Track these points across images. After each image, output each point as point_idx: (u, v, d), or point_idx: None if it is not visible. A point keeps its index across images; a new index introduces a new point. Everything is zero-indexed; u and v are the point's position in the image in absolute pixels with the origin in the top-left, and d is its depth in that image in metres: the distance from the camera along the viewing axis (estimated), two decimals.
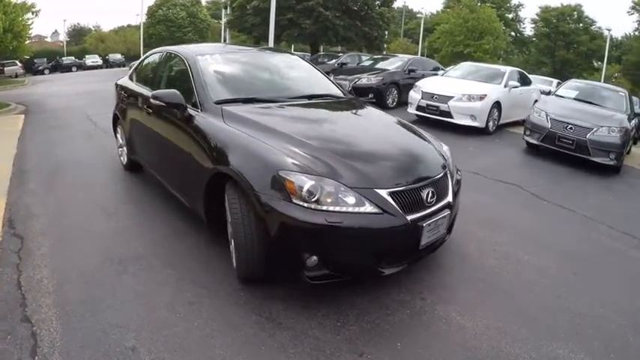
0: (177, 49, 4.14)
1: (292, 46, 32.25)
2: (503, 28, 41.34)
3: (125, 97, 4.69)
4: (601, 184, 7.03)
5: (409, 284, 2.93)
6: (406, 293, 2.84)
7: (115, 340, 2.24)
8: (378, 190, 2.42)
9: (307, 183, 2.29)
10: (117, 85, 5.17)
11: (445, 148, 3.35)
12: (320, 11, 17.46)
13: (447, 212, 2.79)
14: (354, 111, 3.72)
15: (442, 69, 16.84)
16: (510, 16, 49.17)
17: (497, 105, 9.71)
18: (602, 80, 33.86)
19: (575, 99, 8.74)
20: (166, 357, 2.16)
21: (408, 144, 3.10)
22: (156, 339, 2.28)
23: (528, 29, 51.57)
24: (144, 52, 41.13)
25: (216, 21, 50.77)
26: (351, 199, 2.32)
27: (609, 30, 35.33)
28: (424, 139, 3.27)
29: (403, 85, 12.37)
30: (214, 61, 3.75)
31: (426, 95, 9.69)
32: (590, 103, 8.42)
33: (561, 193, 6.08)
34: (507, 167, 7.24)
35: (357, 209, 2.31)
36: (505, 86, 10.16)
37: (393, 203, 2.42)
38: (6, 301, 2.56)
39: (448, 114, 9.37)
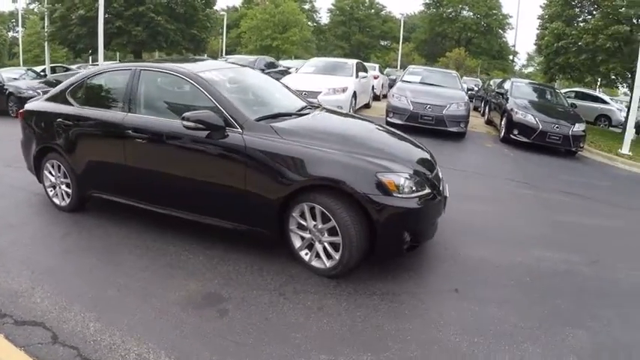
0: (158, 65, 4.11)
1: (117, 54, 30.08)
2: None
3: (69, 125, 4.19)
4: (459, 146, 9.46)
5: (440, 243, 4.04)
6: (447, 249, 4.00)
7: None
8: (429, 176, 3.48)
9: (401, 179, 3.13)
10: (36, 113, 4.54)
11: None
12: (151, 16, 17.32)
13: (446, 185, 4.02)
14: (345, 117, 4.59)
15: (276, 64, 18.43)
16: (307, 7, 54.30)
17: (354, 94, 11.49)
18: (400, 58, 40.77)
19: (420, 83, 11.09)
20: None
21: (409, 140, 4.17)
22: (357, 347, 2.63)
23: (324, 18, 57.91)
24: None
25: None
26: (419, 186, 3.25)
27: (403, 14, 42.99)
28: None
29: None
30: (218, 78, 3.85)
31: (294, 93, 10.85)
32: (434, 85, 10.88)
33: (442, 159, 8.00)
34: None
35: (424, 192, 3.27)
36: (357, 77, 12.06)
37: (436, 184, 3.52)
38: None
39: None
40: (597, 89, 21.89)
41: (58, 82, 13.20)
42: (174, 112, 3.86)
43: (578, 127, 9.41)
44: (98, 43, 13.96)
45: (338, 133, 3.72)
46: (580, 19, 13.48)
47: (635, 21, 11.41)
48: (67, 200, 4.48)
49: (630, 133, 10.27)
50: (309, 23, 51.43)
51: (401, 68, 35.07)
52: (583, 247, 4.48)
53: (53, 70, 18.04)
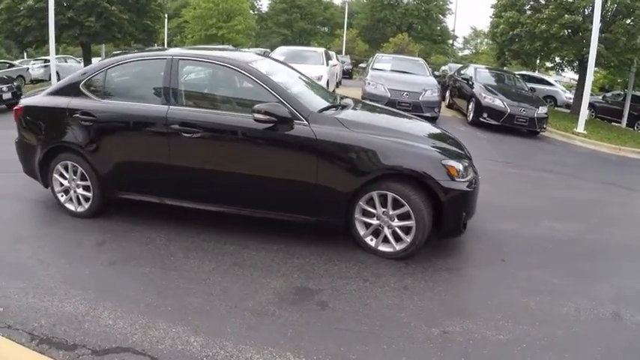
0: (198, 54, 4.13)
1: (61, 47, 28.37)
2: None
3: (91, 120, 3.88)
4: None
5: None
6: (480, 225, 4.47)
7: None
8: (471, 161, 4.01)
9: (460, 165, 3.61)
10: (39, 109, 4.18)
11: None
12: (105, 6, 16.69)
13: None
14: (375, 108, 4.94)
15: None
16: None
17: (327, 82, 11.91)
18: (344, 44, 41.37)
19: (392, 70, 11.64)
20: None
21: (443, 129, 4.70)
22: (454, 317, 2.97)
23: (265, 6, 57.41)
24: None
25: None
26: (466, 171, 3.73)
27: (346, 1, 43.64)
28: None
29: None
30: (265, 69, 3.90)
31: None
32: (406, 72, 11.45)
33: None
34: None
35: (471, 176, 3.76)
36: (327, 65, 12.48)
37: (474, 168, 4.04)
38: None
39: None
40: (537, 71, 23.58)
41: (10, 78, 12.67)
42: (224, 104, 3.96)
43: (542, 110, 10.41)
44: (49, 36, 13.38)
45: (389, 123, 4.10)
46: (527, 7, 14.59)
47: (582, 10, 12.63)
48: (86, 205, 4.15)
49: (584, 114, 11.44)
50: (251, 11, 50.91)
51: (346, 54, 35.78)
52: (579, 217, 5.27)
53: None
